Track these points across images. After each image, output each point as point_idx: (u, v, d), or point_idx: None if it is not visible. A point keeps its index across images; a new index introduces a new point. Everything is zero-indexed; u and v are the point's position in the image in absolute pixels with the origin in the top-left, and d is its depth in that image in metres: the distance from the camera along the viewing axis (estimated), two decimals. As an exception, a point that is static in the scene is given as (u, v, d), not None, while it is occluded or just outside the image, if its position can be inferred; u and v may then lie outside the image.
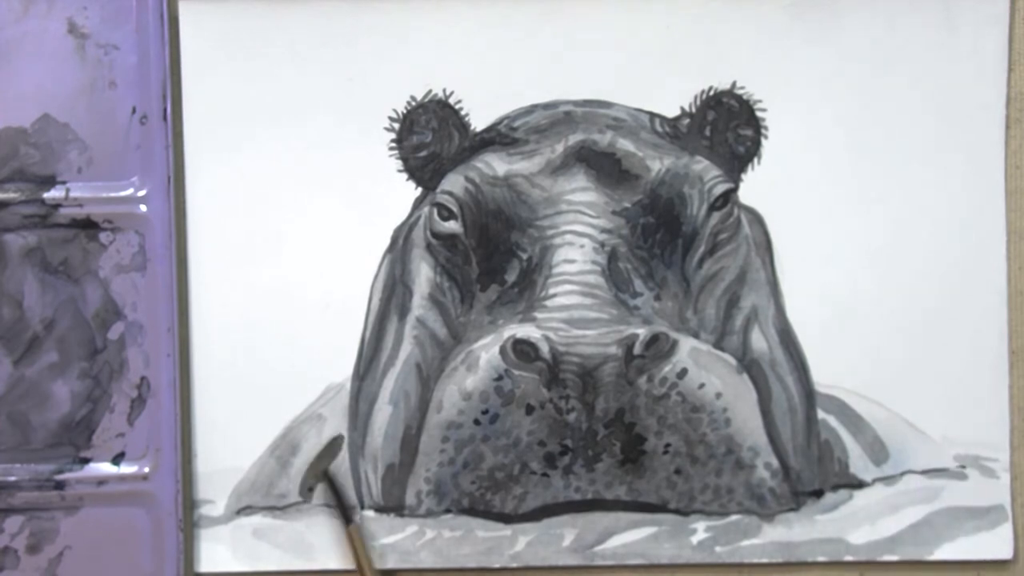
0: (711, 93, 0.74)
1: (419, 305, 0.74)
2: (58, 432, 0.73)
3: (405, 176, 0.75)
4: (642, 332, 0.70)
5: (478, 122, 0.74)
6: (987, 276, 0.75)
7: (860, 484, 0.75)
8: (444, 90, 0.74)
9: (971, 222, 0.75)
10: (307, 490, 0.74)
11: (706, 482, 0.73)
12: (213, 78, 0.74)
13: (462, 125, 0.74)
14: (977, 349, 0.75)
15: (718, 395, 0.72)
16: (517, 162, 0.74)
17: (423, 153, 0.74)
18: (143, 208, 0.73)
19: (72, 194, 0.73)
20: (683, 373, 0.71)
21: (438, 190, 0.74)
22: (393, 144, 0.74)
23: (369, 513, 0.74)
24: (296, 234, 0.74)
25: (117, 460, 0.73)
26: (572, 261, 0.72)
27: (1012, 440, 0.75)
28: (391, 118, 0.74)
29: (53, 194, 0.73)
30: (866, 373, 0.74)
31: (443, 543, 0.74)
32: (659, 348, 0.71)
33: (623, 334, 0.71)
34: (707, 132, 0.74)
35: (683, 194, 0.74)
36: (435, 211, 0.74)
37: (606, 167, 0.74)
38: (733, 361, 0.72)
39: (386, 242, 0.74)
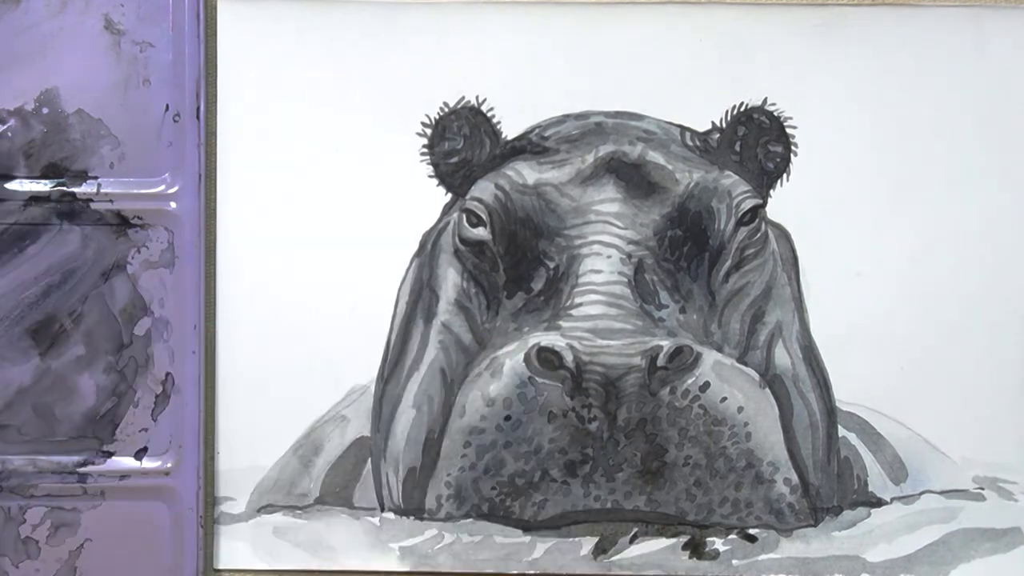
0: (742, 108, 0.75)
1: (445, 310, 0.75)
2: (82, 425, 0.74)
3: (435, 181, 0.75)
4: (666, 344, 0.71)
5: (510, 130, 0.75)
6: (1011, 299, 0.75)
7: (878, 502, 0.75)
8: (477, 97, 0.74)
9: (997, 243, 0.75)
10: None
11: (725, 495, 0.73)
12: (247, 78, 0.74)
13: (494, 133, 0.75)
14: (999, 372, 0.75)
15: (740, 409, 0.72)
16: (547, 171, 0.74)
17: (454, 159, 0.75)
18: (173, 205, 0.74)
19: (104, 189, 0.74)
20: (705, 386, 0.71)
21: (468, 196, 0.74)
22: (424, 149, 0.75)
23: (389, 516, 0.74)
24: (325, 235, 0.74)
25: (140, 455, 0.74)
26: (599, 271, 0.73)
27: (1031, 463, 0.75)
28: (423, 123, 0.75)
29: (85, 189, 0.74)
30: (888, 392, 0.75)
31: (461, 548, 0.74)
32: (682, 360, 0.71)
33: (647, 345, 0.71)
34: (737, 147, 0.75)
35: (711, 208, 0.74)
36: (464, 217, 0.74)
37: (635, 179, 0.74)
38: (756, 376, 0.73)
39: (414, 246, 0.75)
